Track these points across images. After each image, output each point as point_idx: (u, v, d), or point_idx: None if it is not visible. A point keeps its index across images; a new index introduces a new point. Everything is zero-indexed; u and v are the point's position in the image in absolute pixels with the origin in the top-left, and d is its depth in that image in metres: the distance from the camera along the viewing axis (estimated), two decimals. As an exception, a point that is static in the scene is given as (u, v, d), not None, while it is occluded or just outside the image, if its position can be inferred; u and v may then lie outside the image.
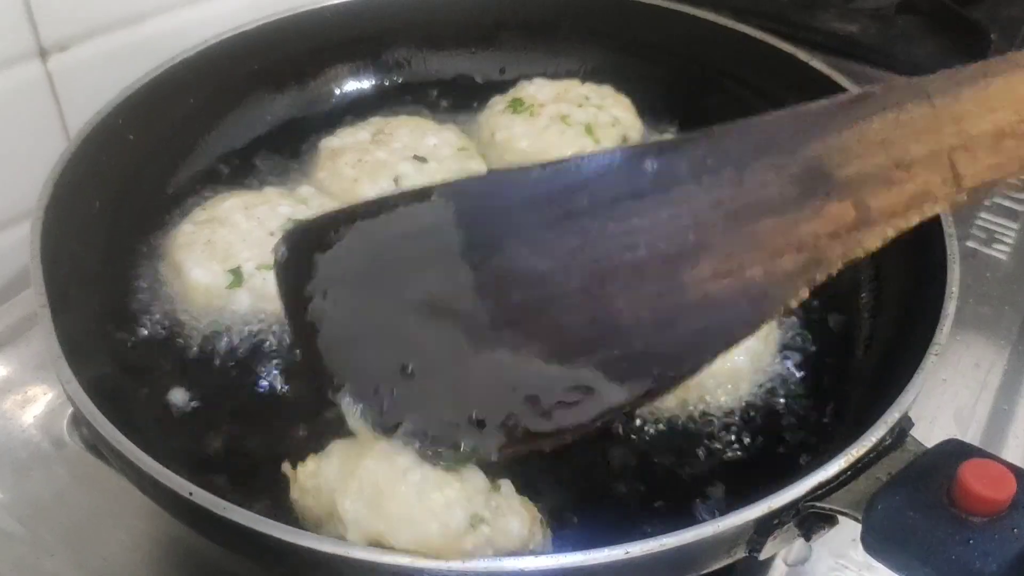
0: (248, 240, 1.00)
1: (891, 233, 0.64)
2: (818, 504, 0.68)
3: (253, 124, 1.25)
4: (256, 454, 0.88)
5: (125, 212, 1.05)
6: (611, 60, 1.32)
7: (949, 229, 0.89)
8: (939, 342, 0.79)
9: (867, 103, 0.65)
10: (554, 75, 1.29)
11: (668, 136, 1.19)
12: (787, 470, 0.86)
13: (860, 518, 0.66)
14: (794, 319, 0.99)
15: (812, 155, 0.63)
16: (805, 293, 0.66)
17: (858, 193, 0.62)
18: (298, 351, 0.80)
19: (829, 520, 0.71)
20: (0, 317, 1.07)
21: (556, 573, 0.64)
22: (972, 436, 0.98)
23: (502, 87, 1.29)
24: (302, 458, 0.80)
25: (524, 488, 0.81)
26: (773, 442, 0.90)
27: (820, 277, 0.66)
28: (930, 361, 0.78)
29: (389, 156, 1.14)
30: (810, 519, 0.70)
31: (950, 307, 0.83)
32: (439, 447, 0.72)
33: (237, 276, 0.97)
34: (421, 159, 1.14)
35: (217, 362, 0.95)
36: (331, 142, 1.18)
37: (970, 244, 1.21)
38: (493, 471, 0.77)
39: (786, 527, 0.69)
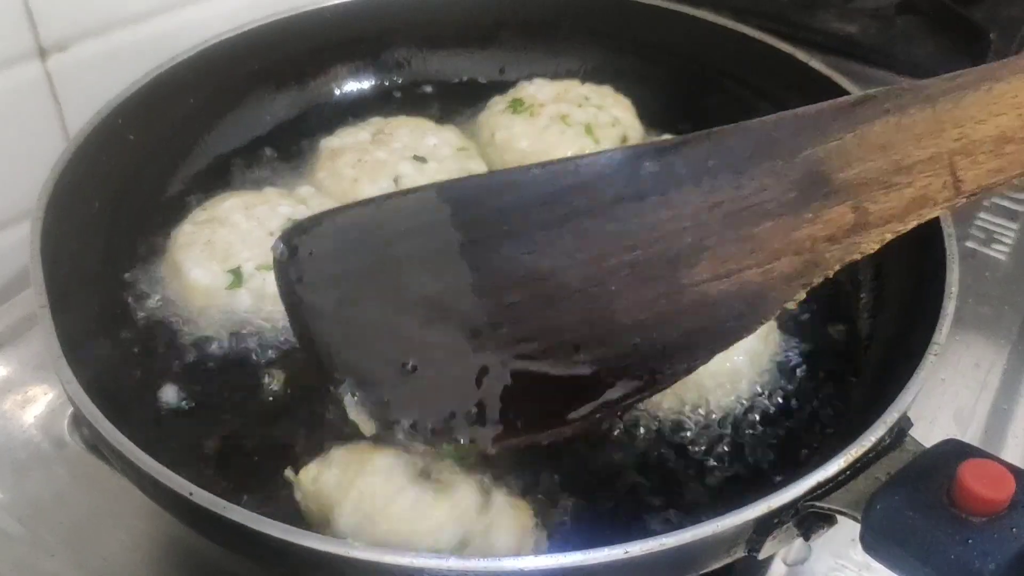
0: (248, 240, 1.00)
1: (889, 237, 0.64)
2: (817, 504, 0.68)
3: (253, 124, 1.25)
4: (256, 454, 0.88)
5: (125, 212, 1.05)
6: (611, 60, 1.32)
7: (948, 229, 0.89)
8: (938, 342, 0.79)
9: (869, 106, 0.64)
10: (554, 75, 1.29)
11: (668, 136, 1.19)
12: (786, 470, 0.87)
13: (859, 518, 0.66)
14: (794, 319, 0.99)
15: (812, 158, 0.63)
16: (802, 295, 0.66)
17: (857, 197, 0.62)
18: (300, 347, 0.80)
19: (828, 520, 0.71)
20: (0, 317, 1.07)
21: (556, 573, 0.64)
22: (971, 436, 0.98)
23: (502, 87, 1.29)
24: (303, 459, 0.80)
25: (524, 487, 0.82)
26: (772, 442, 0.90)
27: (817, 280, 0.66)
28: (929, 361, 0.78)
29: (389, 156, 1.14)
30: (809, 519, 0.70)
31: (949, 307, 0.83)
32: (439, 441, 0.73)
33: (237, 276, 0.97)
34: (421, 159, 1.14)
35: (217, 362, 0.96)
36: (331, 142, 1.18)
37: (969, 244, 1.21)
38: (494, 469, 0.77)
39: (785, 527, 0.69)
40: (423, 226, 0.71)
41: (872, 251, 0.65)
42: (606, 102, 1.24)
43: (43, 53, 1.11)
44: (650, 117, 1.25)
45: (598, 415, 0.71)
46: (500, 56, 1.36)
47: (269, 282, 0.96)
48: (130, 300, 1.01)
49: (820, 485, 0.68)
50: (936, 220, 0.89)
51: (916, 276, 0.92)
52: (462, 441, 0.72)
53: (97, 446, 0.85)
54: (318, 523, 0.77)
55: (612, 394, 0.68)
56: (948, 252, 0.88)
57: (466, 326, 0.69)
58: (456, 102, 1.32)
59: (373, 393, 0.72)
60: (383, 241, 0.72)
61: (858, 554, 0.82)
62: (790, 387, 0.94)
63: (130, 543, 0.87)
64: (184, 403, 0.92)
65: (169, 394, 0.93)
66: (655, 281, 0.65)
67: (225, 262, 0.99)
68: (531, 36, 1.36)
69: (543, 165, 0.71)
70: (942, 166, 0.62)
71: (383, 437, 0.75)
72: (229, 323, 0.98)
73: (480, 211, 0.70)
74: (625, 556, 0.63)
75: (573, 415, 0.70)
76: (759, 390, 0.93)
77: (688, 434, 0.90)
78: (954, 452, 0.66)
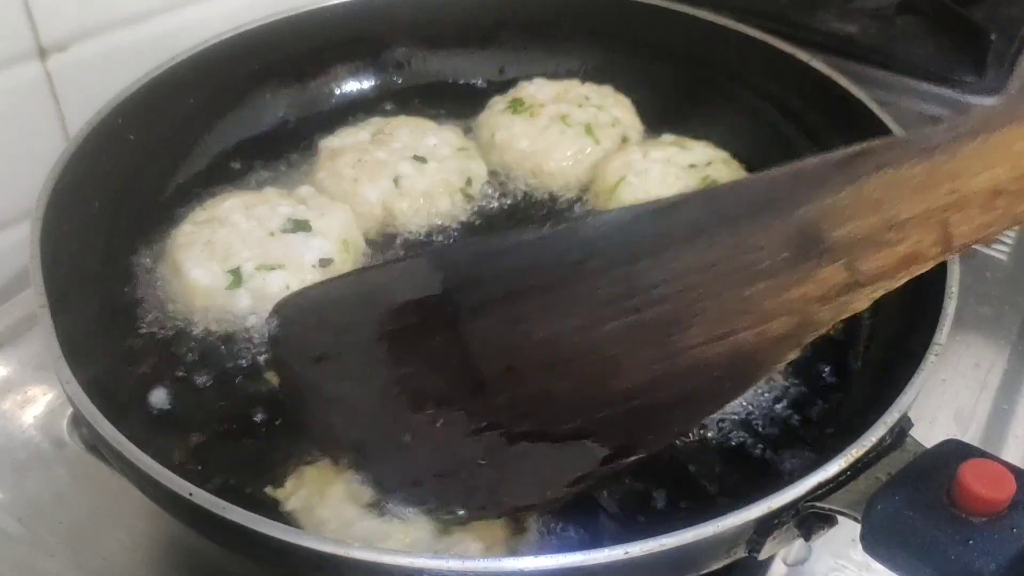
0: (248, 240, 1.00)
1: (879, 294, 0.63)
2: (818, 504, 0.68)
3: (253, 124, 1.25)
4: (256, 454, 0.88)
5: (125, 212, 1.05)
6: (611, 60, 1.32)
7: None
8: (939, 342, 0.79)
9: (864, 161, 0.62)
10: (554, 75, 1.30)
11: (667, 137, 1.19)
12: (786, 470, 0.87)
13: (859, 518, 0.66)
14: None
15: (807, 216, 0.61)
16: (795, 354, 0.65)
17: (850, 256, 0.61)
18: (291, 412, 0.79)
19: (828, 520, 0.71)
20: (0, 317, 1.07)
21: (556, 573, 0.64)
22: (972, 436, 0.98)
23: (502, 87, 1.29)
24: (298, 461, 0.80)
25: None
26: (772, 442, 0.90)
27: (807, 340, 0.64)
28: (930, 361, 0.78)
29: (389, 156, 1.14)
30: (810, 519, 0.70)
31: (950, 307, 0.83)
32: (437, 513, 0.73)
33: (237, 276, 0.97)
34: (421, 159, 1.14)
35: (217, 362, 0.95)
36: (331, 142, 1.18)
37: (970, 244, 1.21)
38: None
39: (786, 527, 0.69)
40: (414, 296, 0.70)
41: (862, 308, 0.64)
42: (606, 102, 1.24)
43: (43, 53, 1.11)
44: (650, 117, 1.25)
45: (591, 482, 0.71)
46: (500, 56, 1.36)
47: (269, 282, 0.96)
48: (130, 300, 1.01)
49: (820, 485, 0.68)
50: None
51: (916, 276, 0.92)
52: (460, 513, 0.72)
53: (96, 446, 0.85)
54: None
55: (606, 459, 0.67)
56: (948, 252, 0.88)
57: (461, 398, 0.68)
58: (456, 102, 1.32)
59: (368, 468, 0.71)
60: (375, 315, 0.71)
61: (858, 554, 0.82)
62: (789, 387, 0.94)
63: (130, 543, 0.87)
64: (185, 403, 0.92)
65: (170, 394, 0.93)
66: (650, 346, 0.64)
67: (225, 262, 0.98)
68: (531, 36, 1.36)
69: (537, 230, 0.70)
70: (935, 221, 0.60)
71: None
72: (229, 323, 0.97)
73: (471, 279, 0.70)
74: (625, 556, 0.63)
75: (570, 483, 0.70)
76: (758, 390, 0.93)
77: (687, 434, 0.90)
78: (954, 452, 0.66)
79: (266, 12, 1.22)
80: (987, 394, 1.03)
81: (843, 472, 0.69)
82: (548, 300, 0.66)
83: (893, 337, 0.94)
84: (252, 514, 0.66)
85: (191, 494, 0.67)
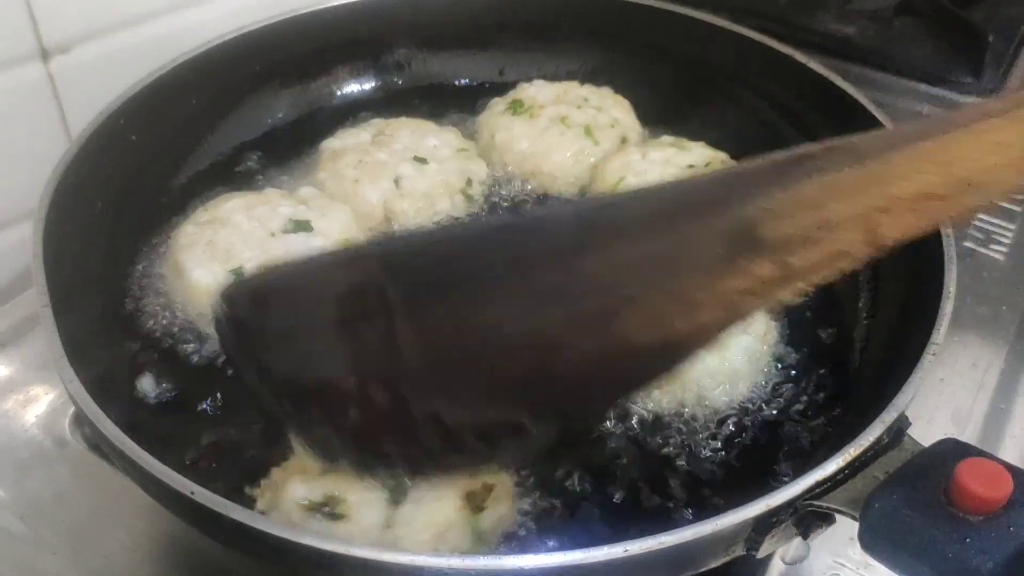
0: (249, 241, 1.01)
1: (808, 288, 0.65)
2: (816, 502, 0.69)
3: (254, 125, 1.25)
4: (256, 454, 0.88)
5: (127, 213, 1.06)
6: (610, 61, 1.32)
7: (946, 229, 0.89)
8: (936, 342, 0.80)
9: (805, 165, 0.65)
10: (554, 76, 1.30)
11: (666, 138, 1.20)
12: (785, 469, 0.87)
13: (858, 516, 0.66)
14: (793, 319, 1.00)
15: (743, 215, 0.64)
16: (717, 339, 0.68)
17: (781, 253, 0.63)
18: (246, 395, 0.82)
19: (827, 518, 0.71)
20: (2, 317, 1.08)
21: (555, 571, 0.64)
22: (969, 435, 0.99)
23: (502, 88, 1.29)
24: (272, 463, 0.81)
25: (519, 484, 0.82)
26: (771, 441, 0.90)
27: (731, 325, 0.67)
28: (927, 361, 0.78)
29: (390, 157, 1.14)
30: (808, 517, 0.70)
31: (947, 307, 0.83)
32: (381, 476, 0.77)
33: (238, 277, 0.98)
34: (421, 160, 1.14)
35: (218, 362, 0.96)
36: (332, 143, 1.18)
37: (967, 244, 1.21)
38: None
39: (784, 525, 0.70)
40: (358, 282, 0.72)
41: (788, 299, 0.66)
42: (606, 103, 1.24)
43: (45, 55, 1.11)
44: (649, 118, 1.26)
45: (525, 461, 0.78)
46: (500, 57, 1.37)
47: (270, 282, 0.97)
48: (132, 300, 1.01)
49: (819, 484, 0.69)
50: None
51: (914, 277, 0.92)
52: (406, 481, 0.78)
53: (98, 445, 0.86)
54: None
55: (540, 439, 0.70)
56: (946, 252, 0.88)
57: (403, 375, 0.70)
58: (456, 103, 1.32)
59: (317, 440, 0.74)
60: (319, 297, 0.72)
61: (856, 553, 0.83)
62: (788, 387, 0.94)
63: (131, 542, 0.87)
64: (185, 403, 0.93)
65: (171, 394, 0.93)
66: (588, 333, 0.66)
67: (227, 262, 0.99)
68: (531, 37, 1.36)
69: (482, 220, 0.72)
70: (865, 222, 0.63)
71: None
72: (230, 323, 0.98)
73: (415, 266, 0.71)
74: (625, 555, 0.64)
75: (505, 453, 0.73)
76: (758, 390, 0.94)
77: (687, 434, 0.90)
78: (952, 451, 0.66)
79: (267, 14, 1.23)
80: (984, 393, 1.03)
81: (841, 471, 0.69)
82: (489, 289, 0.68)
83: (891, 337, 0.94)
84: (253, 512, 0.66)
85: (193, 492, 0.68)
